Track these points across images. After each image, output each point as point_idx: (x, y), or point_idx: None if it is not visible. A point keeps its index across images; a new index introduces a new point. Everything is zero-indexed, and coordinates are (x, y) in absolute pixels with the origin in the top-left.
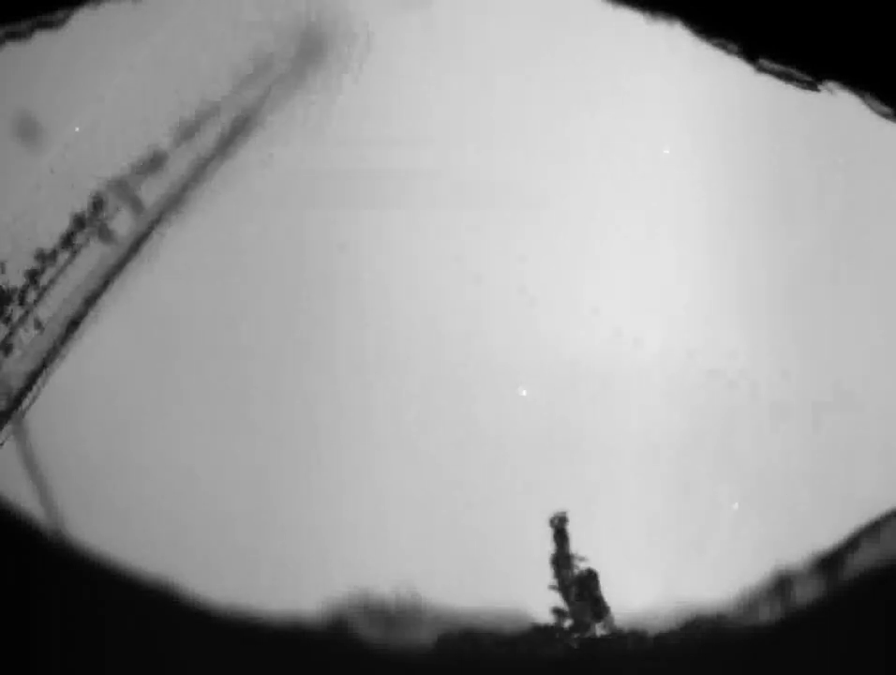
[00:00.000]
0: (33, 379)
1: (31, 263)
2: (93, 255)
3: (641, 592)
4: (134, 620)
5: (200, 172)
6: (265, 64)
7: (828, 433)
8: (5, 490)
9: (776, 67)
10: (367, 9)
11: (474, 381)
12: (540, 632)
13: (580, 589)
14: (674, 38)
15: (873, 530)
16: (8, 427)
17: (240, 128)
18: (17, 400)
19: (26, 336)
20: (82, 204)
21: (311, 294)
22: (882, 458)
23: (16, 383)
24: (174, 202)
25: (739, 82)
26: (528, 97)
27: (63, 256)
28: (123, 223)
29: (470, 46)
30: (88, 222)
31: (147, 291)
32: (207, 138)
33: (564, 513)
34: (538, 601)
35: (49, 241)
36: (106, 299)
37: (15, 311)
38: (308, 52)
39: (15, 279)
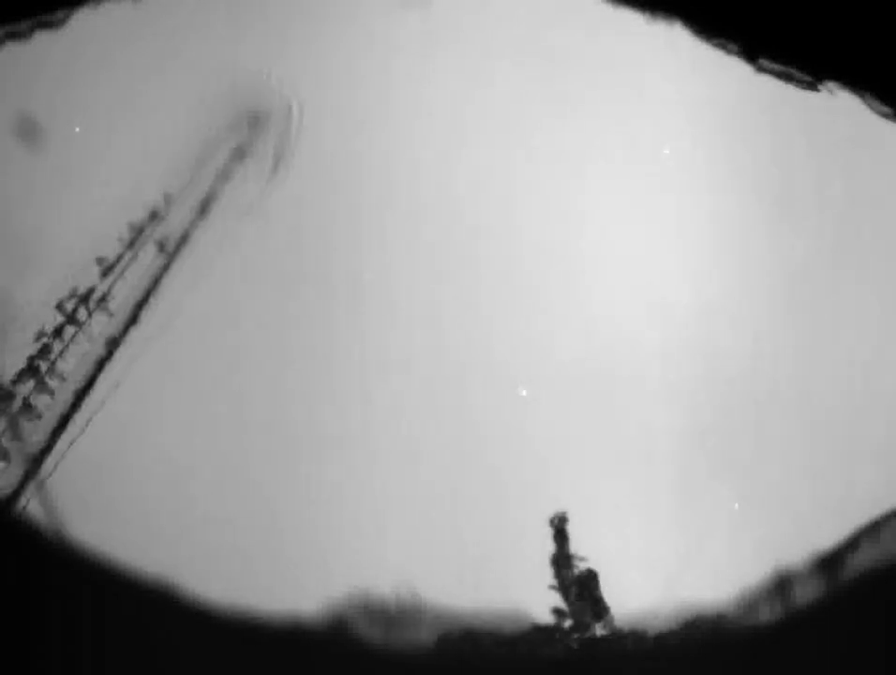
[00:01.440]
0: (54, 438)
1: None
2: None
3: (641, 592)
4: (134, 619)
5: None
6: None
7: (828, 433)
8: (5, 491)
9: (776, 67)
10: (367, 9)
11: (474, 381)
12: (540, 632)
13: (580, 589)
14: (674, 38)
15: (873, 530)
16: (32, 487)
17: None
18: (38, 460)
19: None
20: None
21: (312, 295)
22: (882, 458)
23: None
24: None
25: (739, 82)
26: (528, 96)
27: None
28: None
29: (470, 46)
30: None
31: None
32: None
33: (564, 513)
34: (538, 601)
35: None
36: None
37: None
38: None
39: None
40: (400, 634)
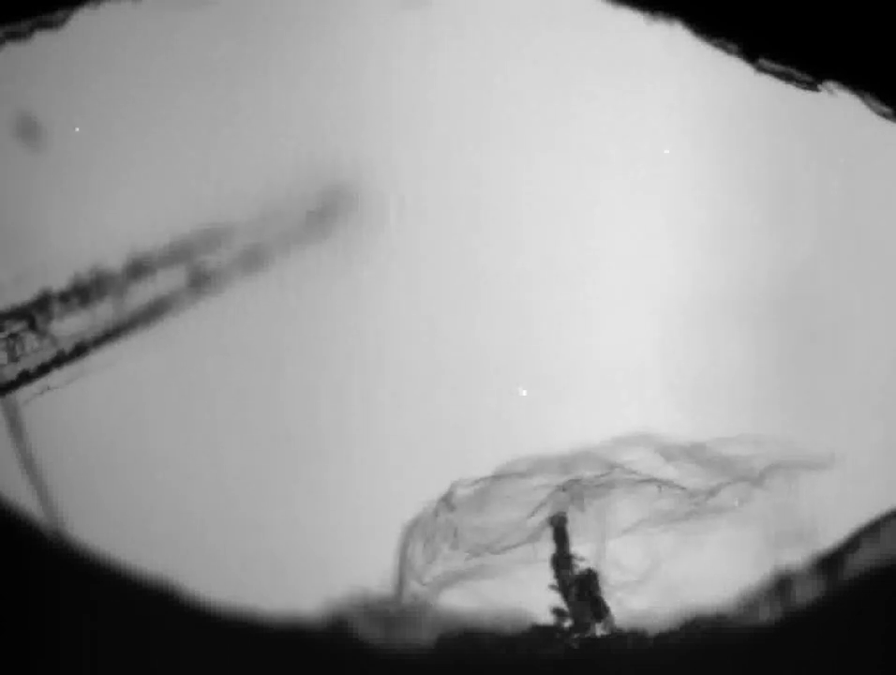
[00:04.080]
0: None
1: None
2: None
3: (641, 592)
4: (134, 619)
5: None
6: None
7: (828, 433)
8: (5, 490)
9: (776, 67)
10: (367, 9)
11: (474, 381)
12: (540, 632)
13: (580, 589)
14: (673, 39)
15: (873, 530)
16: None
17: None
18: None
19: (33, 343)
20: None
21: (311, 294)
22: (881, 458)
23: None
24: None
25: (739, 82)
26: (528, 97)
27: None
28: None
29: (470, 46)
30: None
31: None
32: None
33: (564, 513)
34: (538, 601)
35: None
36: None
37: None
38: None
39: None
40: (400, 634)
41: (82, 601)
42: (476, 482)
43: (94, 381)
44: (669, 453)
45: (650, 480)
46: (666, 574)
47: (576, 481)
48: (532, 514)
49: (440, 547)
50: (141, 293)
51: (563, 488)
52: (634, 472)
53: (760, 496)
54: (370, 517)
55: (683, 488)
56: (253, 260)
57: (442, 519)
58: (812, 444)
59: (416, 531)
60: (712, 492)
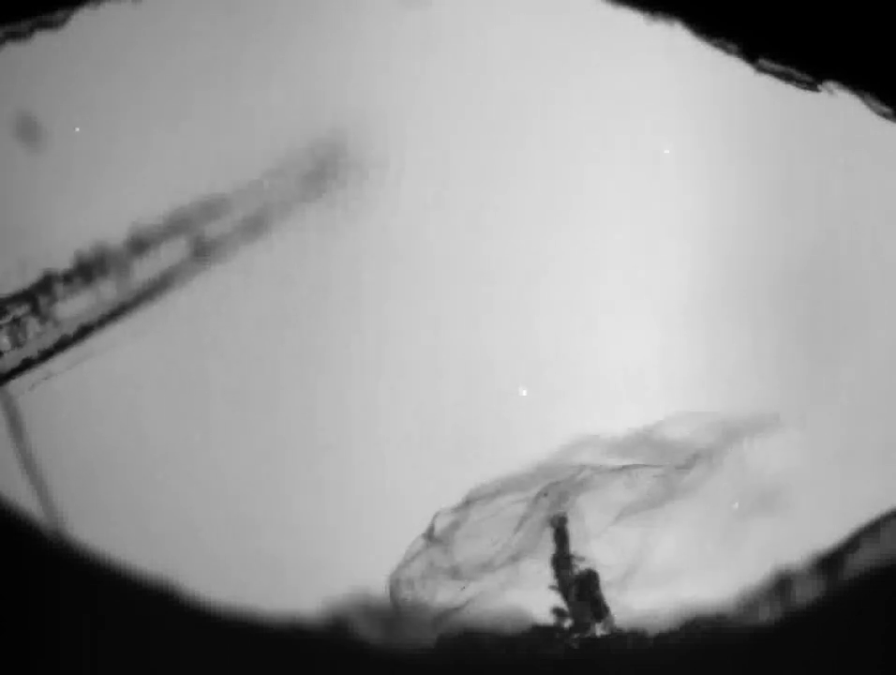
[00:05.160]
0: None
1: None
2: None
3: (641, 593)
4: (134, 619)
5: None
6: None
7: (827, 433)
8: (4, 490)
9: (776, 67)
10: (367, 9)
11: (474, 381)
12: (540, 632)
13: (580, 589)
14: (674, 38)
15: (873, 530)
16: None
17: None
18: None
19: (35, 327)
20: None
21: (311, 295)
22: (881, 458)
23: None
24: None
25: (740, 82)
26: (528, 97)
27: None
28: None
29: (470, 46)
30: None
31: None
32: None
33: (564, 513)
34: (538, 601)
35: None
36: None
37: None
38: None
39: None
40: (400, 634)
41: (82, 601)
42: (455, 510)
43: (93, 376)
44: (669, 452)
45: (624, 468)
46: (667, 574)
47: (554, 484)
48: (519, 527)
49: (437, 583)
50: (145, 268)
51: (545, 494)
52: (602, 466)
53: (760, 495)
54: (370, 517)
55: (683, 488)
56: (254, 226)
57: (432, 554)
58: (811, 443)
59: (406, 574)
60: (712, 492)
